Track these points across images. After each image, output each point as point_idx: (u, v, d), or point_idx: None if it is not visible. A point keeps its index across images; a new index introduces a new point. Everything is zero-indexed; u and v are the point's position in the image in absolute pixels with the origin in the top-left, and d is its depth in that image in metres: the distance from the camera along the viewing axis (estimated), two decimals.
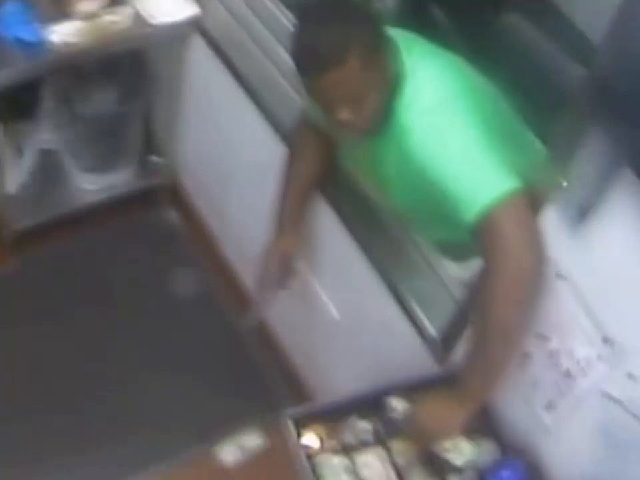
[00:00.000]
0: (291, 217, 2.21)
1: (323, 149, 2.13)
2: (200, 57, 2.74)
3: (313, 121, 2.09)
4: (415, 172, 1.73)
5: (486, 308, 1.65)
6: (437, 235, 2.04)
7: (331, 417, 1.82)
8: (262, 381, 2.85)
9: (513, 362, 1.71)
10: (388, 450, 1.80)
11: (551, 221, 1.60)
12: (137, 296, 2.98)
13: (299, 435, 1.78)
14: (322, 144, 2.11)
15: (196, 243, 3.16)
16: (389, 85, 1.74)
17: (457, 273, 2.05)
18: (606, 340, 1.53)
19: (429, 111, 1.71)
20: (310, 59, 1.69)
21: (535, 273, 1.62)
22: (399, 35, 1.81)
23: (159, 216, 3.23)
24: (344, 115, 1.72)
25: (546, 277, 1.64)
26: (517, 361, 1.74)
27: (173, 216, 3.24)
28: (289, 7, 2.38)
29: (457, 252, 2.05)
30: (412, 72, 1.75)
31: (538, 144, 1.90)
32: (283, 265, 2.21)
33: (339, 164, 2.13)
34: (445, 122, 1.70)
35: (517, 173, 1.65)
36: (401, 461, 1.79)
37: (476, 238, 1.67)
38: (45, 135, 2.94)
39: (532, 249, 1.61)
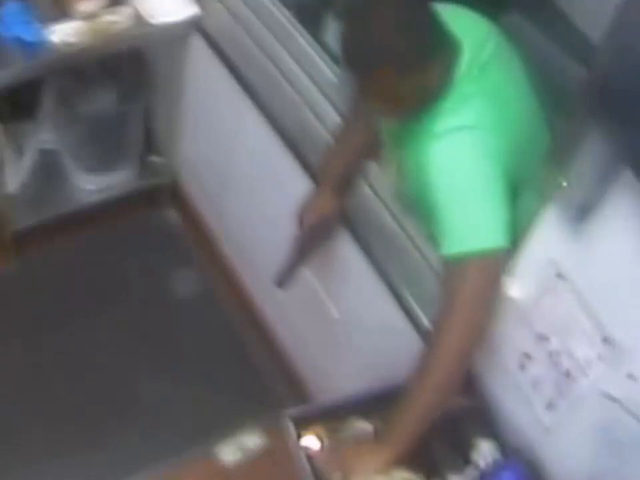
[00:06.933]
0: (335, 176, 2.11)
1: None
2: (200, 57, 2.73)
3: None
4: (422, 177, 1.71)
5: (431, 345, 1.73)
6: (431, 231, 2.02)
7: (331, 417, 1.82)
8: (262, 381, 2.85)
9: (435, 413, 1.71)
10: None
11: (551, 221, 1.60)
12: (137, 296, 2.98)
13: (299, 436, 1.78)
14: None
15: (196, 243, 3.15)
16: (428, 93, 1.67)
17: None
18: (606, 340, 1.53)
19: (458, 130, 1.65)
20: (347, 58, 1.67)
21: (479, 336, 1.71)
22: (469, 27, 1.71)
23: (159, 216, 3.23)
24: (374, 106, 1.73)
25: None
26: (517, 362, 1.75)
27: (173, 216, 3.24)
28: (289, 7, 2.38)
29: None
30: (462, 91, 1.67)
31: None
32: (319, 224, 2.12)
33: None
34: (467, 149, 1.66)
35: (511, 229, 1.66)
36: None
37: (443, 269, 1.72)
38: (45, 135, 2.94)
39: (485, 314, 1.70)
